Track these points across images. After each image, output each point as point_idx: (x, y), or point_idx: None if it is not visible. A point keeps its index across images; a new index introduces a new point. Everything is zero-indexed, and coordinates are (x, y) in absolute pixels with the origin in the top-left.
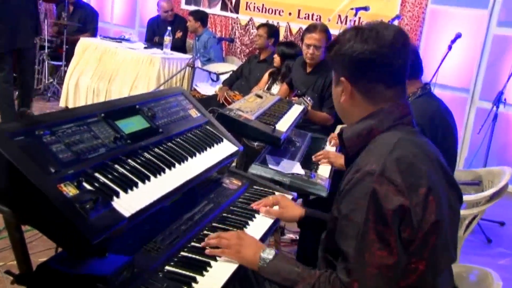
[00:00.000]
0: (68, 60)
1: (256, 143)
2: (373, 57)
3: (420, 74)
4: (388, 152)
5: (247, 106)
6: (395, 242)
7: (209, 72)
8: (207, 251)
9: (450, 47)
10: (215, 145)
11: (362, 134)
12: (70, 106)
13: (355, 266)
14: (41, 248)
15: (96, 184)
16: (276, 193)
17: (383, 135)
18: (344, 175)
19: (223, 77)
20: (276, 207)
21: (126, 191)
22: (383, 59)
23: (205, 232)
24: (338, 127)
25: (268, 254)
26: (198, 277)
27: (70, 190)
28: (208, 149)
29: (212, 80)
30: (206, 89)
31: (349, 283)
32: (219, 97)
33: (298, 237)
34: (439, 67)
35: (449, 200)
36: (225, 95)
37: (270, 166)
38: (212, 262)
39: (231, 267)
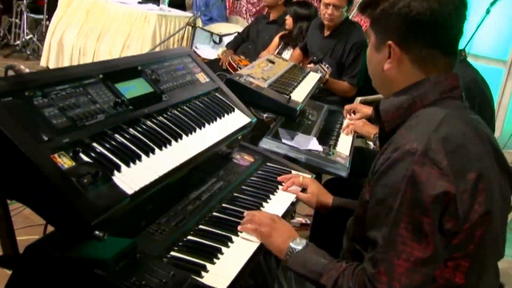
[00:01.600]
0: (50, 14)
1: (265, 115)
2: (434, 18)
3: None
4: (433, 129)
5: (258, 72)
6: (433, 234)
7: (211, 33)
8: (240, 227)
9: (488, 11)
10: (225, 115)
11: (403, 107)
12: (52, 66)
13: (383, 256)
14: (21, 225)
15: (95, 156)
16: (293, 172)
17: (428, 109)
18: (379, 153)
19: (226, 39)
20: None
21: (128, 165)
22: (444, 21)
23: (214, 213)
24: (358, 99)
25: (298, 244)
26: (208, 265)
27: (65, 162)
28: (218, 119)
29: (214, 42)
30: (208, 52)
31: (375, 276)
32: (223, 62)
33: (309, 221)
34: (474, 33)
35: (501, 189)
36: (230, 60)
37: (283, 140)
38: (224, 249)
39: (245, 255)
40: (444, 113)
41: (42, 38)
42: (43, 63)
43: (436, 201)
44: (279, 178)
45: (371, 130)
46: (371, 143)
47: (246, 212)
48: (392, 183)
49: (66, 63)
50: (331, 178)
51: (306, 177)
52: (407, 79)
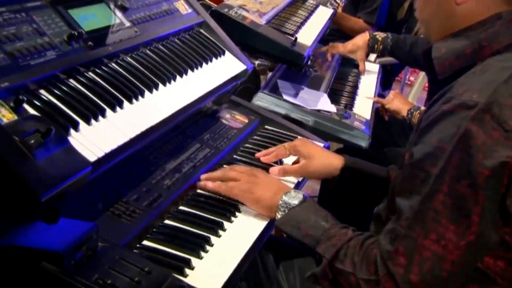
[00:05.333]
0: None
1: (257, 61)
2: None
3: None
4: (503, 80)
5: (252, 3)
6: (479, 216)
7: None
8: (206, 183)
9: None
10: (213, 59)
11: (465, 53)
12: None
13: (406, 232)
14: None
15: (44, 107)
16: (299, 138)
17: (499, 56)
18: (426, 108)
19: None
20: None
21: (88, 122)
22: None
23: (199, 191)
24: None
25: (293, 197)
26: (194, 260)
27: (3, 114)
28: (204, 64)
29: None
30: None
31: (391, 254)
32: None
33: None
34: None
35: None
36: None
37: (285, 96)
38: (213, 239)
39: (242, 247)
40: None
41: None
42: None
43: (492, 175)
44: (257, 156)
45: (404, 105)
46: None
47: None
48: (436, 142)
49: None
50: (341, 148)
51: (292, 143)
52: (486, 13)
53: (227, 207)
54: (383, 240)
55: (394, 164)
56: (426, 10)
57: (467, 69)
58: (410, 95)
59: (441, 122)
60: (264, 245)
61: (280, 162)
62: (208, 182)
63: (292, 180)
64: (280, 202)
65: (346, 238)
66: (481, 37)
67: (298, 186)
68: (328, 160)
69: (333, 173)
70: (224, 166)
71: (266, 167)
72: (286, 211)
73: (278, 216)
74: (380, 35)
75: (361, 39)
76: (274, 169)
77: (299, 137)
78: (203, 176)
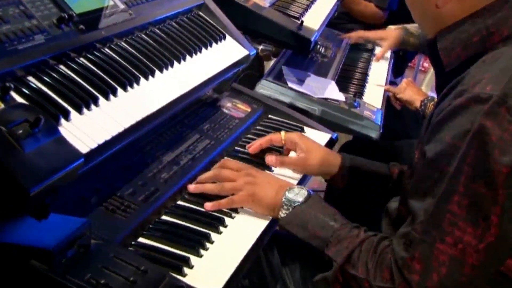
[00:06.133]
0: None
1: (261, 46)
2: None
3: None
4: None
5: None
6: (499, 216)
7: None
8: (197, 187)
9: None
10: (213, 44)
11: (472, 42)
12: None
13: (422, 237)
14: None
15: (32, 96)
16: (306, 129)
17: (510, 42)
18: (436, 103)
19: None
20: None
21: (80, 111)
22: None
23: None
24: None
25: (297, 194)
26: (193, 259)
27: None
28: (203, 49)
29: None
30: None
31: (406, 261)
32: None
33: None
34: None
35: None
36: None
37: (290, 84)
38: (214, 236)
39: (244, 245)
40: None
41: None
42: None
43: (511, 172)
44: (248, 147)
45: (417, 95)
46: None
47: (202, 175)
48: (450, 139)
49: None
50: (350, 140)
51: (290, 134)
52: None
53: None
54: (397, 246)
55: (407, 158)
56: (414, 12)
57: (477, 58)
58: (424, 83)
59: (454, 118)
60: (269, 240)
61: None
62: (199, 186)
63: (296, 176)
64: (283, 199)
65: (358, 241)
66: (488, 23)
67: (302, 182)
68: (326, 156)
69: (331, 170)
70: (225, 158)
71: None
72: (291, 210)
73: (282, 215)
74: (412, 28)
75: (395, 31)
76: (272, 157)
77: (306, 129)
78: (192, 185)
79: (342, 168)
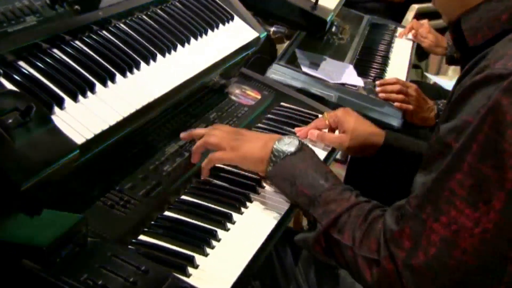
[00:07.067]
0: None
1: (272, 28)
2: None
3: None
4: None
5: None
6: (503, 202)
7: None
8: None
9: None
10: (220, 25)
11: (501, 20)
12: None
13: (415, 212)
14: None
15: (23, 82)
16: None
17: None
18: (458, 79)
19: None
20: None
21: (75, 98)
22: None
23: (204, 178)
24: (414, 7)
25: (287, 144)
26: (198, 258)
27: None
28: (209, 31)
29: None
30: None
31: (395, 235)
32: None
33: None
34: None
35: None
36: None
37: (304, 68)
38: (221, 233)
39: (253, 244)
40: None
41: None
42: None
43: None
44: (298, 133)
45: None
46: (431, 76)
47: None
48: (464, 115)
49: None
50: None
51: (333, 113)
52: None
53: (237, 197)
54: (389, 217)
55: None
56: None
57: (504, 34)
58: (451, 68)
59: (472, 95)
60: (282, 238)
61: None
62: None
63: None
64: (272, 149)
65: (348, 205)
66: None
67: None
68: (369, 137)
69: (370, 152)
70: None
71: None
72: (279, 161)
73: (270, 168)
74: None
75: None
76: (313, 132)
77: (320, 116)
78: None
79: (383, 149)
